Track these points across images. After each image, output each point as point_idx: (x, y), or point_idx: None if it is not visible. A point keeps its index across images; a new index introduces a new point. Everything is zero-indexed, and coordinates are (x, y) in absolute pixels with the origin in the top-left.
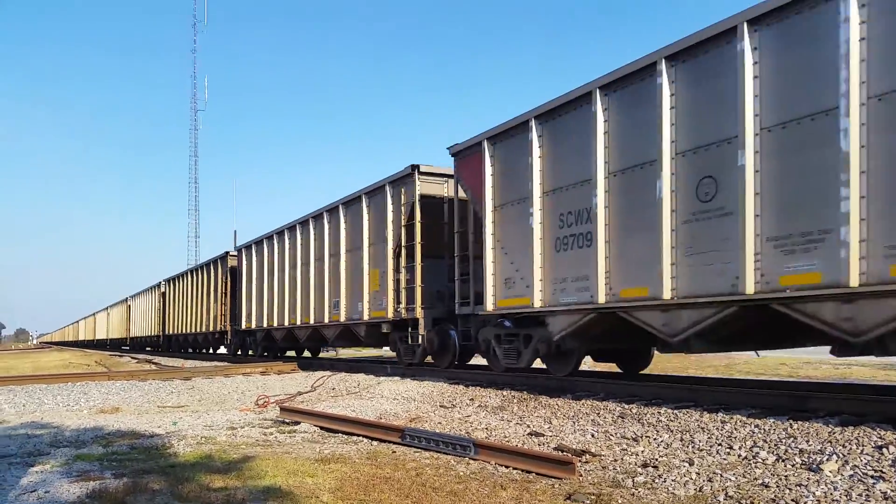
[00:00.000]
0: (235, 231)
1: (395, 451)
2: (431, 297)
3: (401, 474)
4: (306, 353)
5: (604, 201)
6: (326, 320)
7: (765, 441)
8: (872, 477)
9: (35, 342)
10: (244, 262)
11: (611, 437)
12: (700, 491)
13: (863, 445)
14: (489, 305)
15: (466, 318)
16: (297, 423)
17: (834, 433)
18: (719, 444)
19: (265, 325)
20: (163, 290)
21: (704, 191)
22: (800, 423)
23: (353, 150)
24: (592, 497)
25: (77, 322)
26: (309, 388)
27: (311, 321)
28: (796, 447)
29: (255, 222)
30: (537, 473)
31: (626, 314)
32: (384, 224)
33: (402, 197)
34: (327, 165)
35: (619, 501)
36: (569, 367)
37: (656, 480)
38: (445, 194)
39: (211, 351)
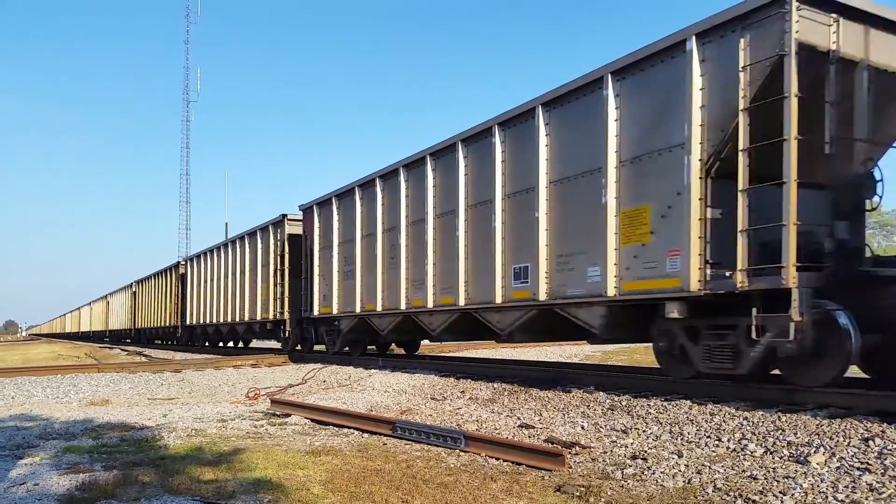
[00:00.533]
0: (227, 223)
1: (385, 444)
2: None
3: (391, 466)
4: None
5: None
6: (498, 299)
7: (753, 433)
8: (858, 469)
9: (24, 334)
10: (316, 225)
11: (601, 429)
12: (689, 483)
13: (850, 437)
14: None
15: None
16: (288, 415)
17: (822, 426)
18: (708, 437)
19: (358, 309)
20: (182, 271)
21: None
22: (788, 415)
23: (345, 142)
24: (582, 489)
25: (68, 313)
26: (300, 380)
27: (460, 302)
28: (784, 439)
29: (247, 216)
30: (527, 465)
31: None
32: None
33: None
34: (318, 158)
35: (609, 493)
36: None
37: (645, 472)
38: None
39: (243, 346)
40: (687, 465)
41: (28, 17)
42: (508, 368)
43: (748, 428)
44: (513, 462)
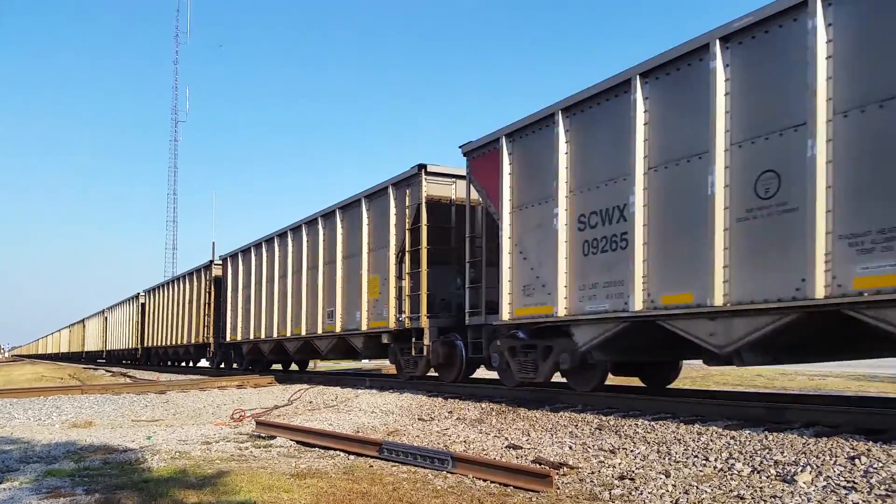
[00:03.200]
0: (214, 243)
1: (372, 466)
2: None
3: (378, 489)
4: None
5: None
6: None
7: (740, 452)
8: (845, 488)
9: (6, 355)
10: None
11: (588, 449)
12: (676, 503)
13: (836, 456)
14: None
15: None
16: (273, 437)
17: (808, 444)
18: (695, 456)
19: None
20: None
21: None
22: (775, 434)
23: (335, 166)
24: None
25: (50, 335)
26: (286, 401)
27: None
28: (771, 458)
29: (234, 235)
30: (515, 486)
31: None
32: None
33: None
34: (307, 180)
35: None
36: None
37: (633, 493)
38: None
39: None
40: (674, 486)
41: (13, 35)
42: (497, 388)
43: (735, 447)
44: (500, 483)
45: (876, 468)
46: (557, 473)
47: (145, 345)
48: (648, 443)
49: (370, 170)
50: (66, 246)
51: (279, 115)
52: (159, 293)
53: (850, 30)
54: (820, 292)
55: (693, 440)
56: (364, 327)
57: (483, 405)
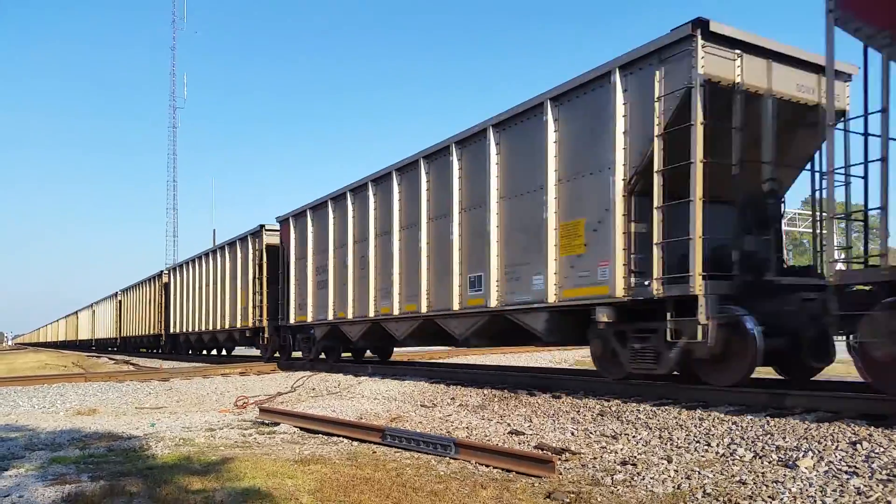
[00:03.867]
0: (214, 230)
1: (375, 452)
2: (273, 312)
3: (381, 475)
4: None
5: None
6: (456, 306)
7: (742, 438)
8: (847, 473)
9: (10, 343)
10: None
11: (590, 435)
12: (678, 489)
13: (838, 442)
14: (291, 320)
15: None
16: (277, 423)
17: (810, 430)
18: (697, 442)
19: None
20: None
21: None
22: (777, 420)
23: (333, 152)
24: (572, 495)
25: (54, 322)
26: (289, 388)
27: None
28: (773, 444)
29: (233, 223)
30: (517, 472)
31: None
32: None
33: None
34: (306, 167)
35: (599, 499)
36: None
37: (635, 478)
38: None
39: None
40: (676, 471)
41: (11, 27)
42: (499, 375)
43: (737, 433)
44: (503, 469)
45: (877, 453)
46: (559, 459)
47: (171, 331)
48: (650, 428)
49: (373, 159)
50: (68, 234)
51: (279, 103)
52: (188, 270)
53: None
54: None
55: (695, 426)
56: (552, 299)
57: (485, 391)
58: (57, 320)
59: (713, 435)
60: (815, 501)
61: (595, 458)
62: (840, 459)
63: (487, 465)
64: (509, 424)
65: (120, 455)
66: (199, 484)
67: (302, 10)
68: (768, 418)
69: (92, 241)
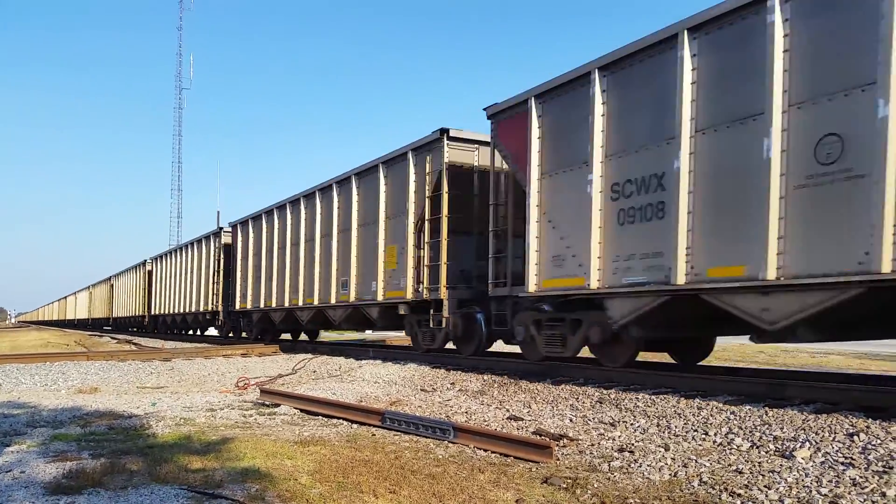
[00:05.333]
0: (219, 212)
1: (374, 434)
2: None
3: (380, 457)
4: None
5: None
6: (333, 301)
7: (740, 427)
8: (843, 464)
9: (13, 321)
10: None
11: (589, 422)
12: (675, 476)
13: (835, 433)
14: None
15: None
16: (277, 405)
17: (808, 420)
18: (695, 430)
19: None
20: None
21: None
22: (775, 410)
23: (343, 137)
24: (569, 481)
25: (56, 301)
26: (290, 370)
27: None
28: (770, 434)
29: (238, 204)
30: (515, 457)
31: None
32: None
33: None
34: (312, 151)
35: (595, 485)
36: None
37: (632, 465)
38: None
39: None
40: (673, 459)
41: (14, 4)
42: (499, 361)
43: (735, 422)
44: (501, 454)
45: (874, 445)
46: (557, 445)
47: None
48: (648, 416)
49: (377, 144)
50: (71, 214)
51: (285, 85)
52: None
53: None
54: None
55: (693, 414)
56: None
57: (485, 377)
58: (57, 300)
59: (711, 424)
60: (810, 492)
61: (593, 445)
62: (837, 450)
63: (486, 450)
64: (508, 410)
65: (121, 433)
66: (198, 463)
67: None
68: (766, 408)
69: (98, 219)
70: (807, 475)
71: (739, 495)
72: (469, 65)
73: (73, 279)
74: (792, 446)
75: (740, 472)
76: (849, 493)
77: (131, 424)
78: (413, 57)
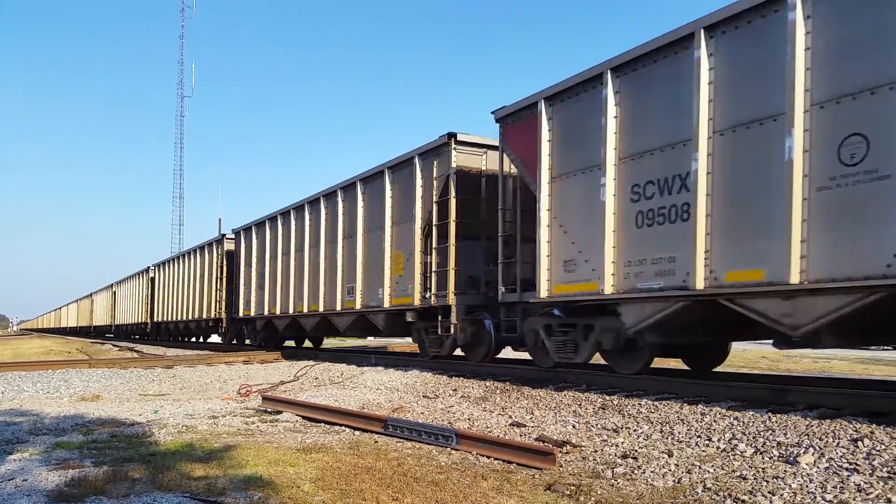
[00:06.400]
0: (220, 219)
1: (377, 441)
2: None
3: (382, 464)
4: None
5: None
6: (339, 308)
7: (743, 433)
8: (847, 469)
9: (15, 329)
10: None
11: (592, 428)
12: (679, 482)
13: (839, 438)
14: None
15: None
16: (279, 412)
17: (811, 426)
18: (698, 436)
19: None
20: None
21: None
22: (778, 416)
23: (343, 146)
24: (572, 487)
25: (58, 309)
26: (292, 377)
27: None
28: (774, 440)
29: (240, 212)
30: (518, 464)
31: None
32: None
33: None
34: (314, 160)
35: (599, 492)
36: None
37: (635, 471)
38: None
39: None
40: (677, 465)
41: (18, 12)
42: (501, 367)
43: (738, 428)
44: (504, 460)
45: (878, 450)
46: (560, 451)
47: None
48: (651, 422)
49: (382, 150)
50: (73, 221)
51: (287, 94)
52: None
53: None
54: None
55: (696, 420)
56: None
57: (487, 383)
58: (59, 308)
59: (714, 430)
60: (815, 497)
61: (596, 451)
62: (841, 456)
63: (488, 457)
64: (511, 416)
65: (123, 441)
66: (201, 471)
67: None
68: (770, 414)
69: (100, 227)
70: (811, 481)
71: (744, 501)
72: (476, 69)
73: (76, 287)
74: (796, 452)
75: (744, 478)
76: (853, 499)
77: (133, 432)
78: (418, 60)
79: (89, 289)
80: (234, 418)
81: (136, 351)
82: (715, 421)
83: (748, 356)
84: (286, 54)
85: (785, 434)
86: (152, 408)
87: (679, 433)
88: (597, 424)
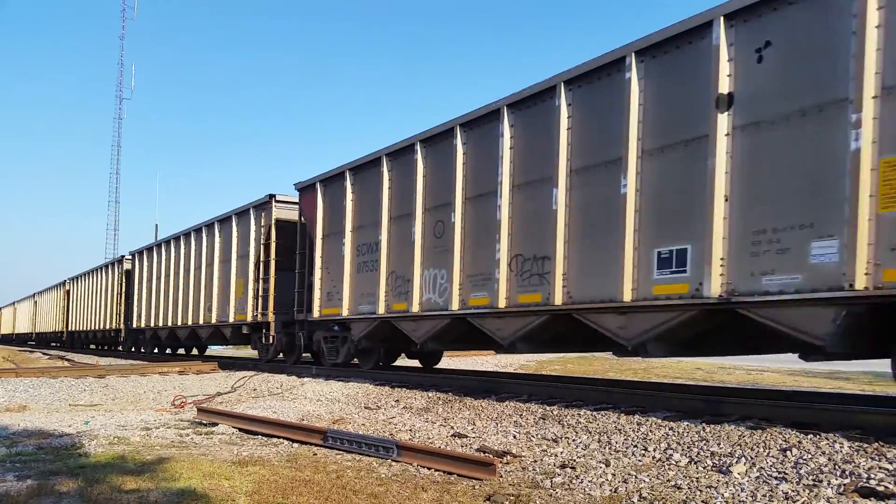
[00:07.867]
0: (157, 224)
1: (316, 454)
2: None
3: (321, 477)
4: (181, 351)
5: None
6: (201, 321)
7: (678, 443)
8: (776, 478)
9: None
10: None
11: (532, 438)
12: (615, 492)
13: (769, 448)
14: (316, 312)
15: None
16: (215, 424)
17: (744, 436)
18: (635, 446)
19: (153, 324)
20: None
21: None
22: (712, 426)
23: (279, 152)
24: (511, 498)
25: None
26: (229, 388)
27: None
28: (708, 450)
29: (178, 217)
30: (459, 475)
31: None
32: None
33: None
34: (252, 164)
35: (537, 502)
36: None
37: (573, 481)
38: (297, 218)
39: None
40: (614, 475)
41: None
42: (444, 378)
43: (674, 438)
44: (444, 471)
45: (805, 459)
46: (500, 462)
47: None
48: (590, 432)
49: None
50: (1, 226)
51: (228, 99)
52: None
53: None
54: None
55: (633, 430)
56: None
57: (430, 394)
58: None
59: (650, 440)
60: None
61: (535, 461)
62: (771, 465)
63: (429, 468)
64: (453, 427)
65: (50, 453)
66: (133, 484)
67: (268, 4)
68: (704, 424)
69: (30, 231)
70: (742, 490)
71: None
72: (438, 68)
73: (4, 292)
74: (728, 461)
75: (679, 488)
76: None
77: (62, 444)
78: (363, 66)
79: (12, 297)
80: (168, 430)
81: (66, 360)
82: (651, 431)
83: (684, 367)
84: (231, 59)
85: (718, 444)
86: (83, 419)
87: (616, 443)
88: (537, 434)
